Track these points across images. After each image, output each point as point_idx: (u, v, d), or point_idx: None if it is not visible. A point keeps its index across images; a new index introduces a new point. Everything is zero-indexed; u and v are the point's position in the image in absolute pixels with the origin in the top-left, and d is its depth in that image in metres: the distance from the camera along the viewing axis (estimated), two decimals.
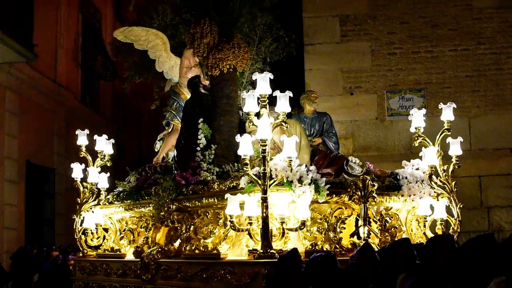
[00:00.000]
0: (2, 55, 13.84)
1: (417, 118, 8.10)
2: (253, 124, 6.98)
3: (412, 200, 8.04)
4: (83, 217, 9.64)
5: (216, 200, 7.65)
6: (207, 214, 7.86)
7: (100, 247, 9.57)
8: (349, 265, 5.80)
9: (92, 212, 9.58)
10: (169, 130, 10.30)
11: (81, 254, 9.72)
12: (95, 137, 9.68)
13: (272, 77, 6.93)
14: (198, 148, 8.50)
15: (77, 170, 9.75)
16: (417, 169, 8.43)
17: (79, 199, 9.78)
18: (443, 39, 13.50)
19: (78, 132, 9.75)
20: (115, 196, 9.41)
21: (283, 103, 6.94)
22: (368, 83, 13.62)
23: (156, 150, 10.45)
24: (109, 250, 9.26)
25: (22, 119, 15.62)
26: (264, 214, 6.75)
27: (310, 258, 5.98)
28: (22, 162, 15.67)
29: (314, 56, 13.75)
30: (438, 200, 8.14)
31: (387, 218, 7.99)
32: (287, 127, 7.13)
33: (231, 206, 7.05)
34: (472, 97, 13.32)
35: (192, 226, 7.99)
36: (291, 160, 7.03)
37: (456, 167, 8.17)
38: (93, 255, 9.56)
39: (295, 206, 7.19)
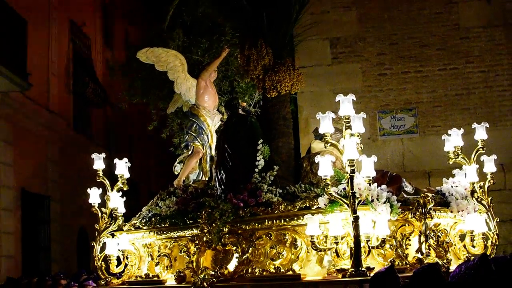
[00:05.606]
0: None
1: (455, 138, 8.30)
2: (331, 145, 7.00)
3: (461, 216, 8.18)
4: (103, 243, 9.38)
5: (282, 221, 7.56)
6: (270, 235, 7.74)
7: (122, 274, 9.32)
8: (462, 276, 5.69)
9: (113, 237, 9.32)
10: (189, 152, 10.16)
11: (103, 282, 9.37)
12: (116, 160, 9.51)
13: (354, 98, 6.97)
14: (256, 170, 8.37)
15: (94, 195, 9.42)
16: (457, 186, 8.60)
17: (97, 225, 9.48)
18: (432, 59, 13.86)
19: (94, 156, 9.45)
20: (143, 221, 9.16)
21: (358, 124, 7.00)
22: (360, 104, 13.71)
23: (176, 173, 10.25)
24: (143, 277, 8.97)
25: (16, 147, 15.52)
26: (356, 233, 6.78)
27: (414, 272, 5.95)
28: (18, 190, 15.54)
29: (306, 79, 13.60)
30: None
31: (439, 234, 8.09)
32: (361, 148, 7.18)
33: (311, 226, 7.07)
34: (462, 114, 13.64)
35: (250, 249, 7.85)
36: (370, 179, 7.08)
37: (491, 183, 8.41)
38: (117, 283, 9.27)
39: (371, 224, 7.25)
